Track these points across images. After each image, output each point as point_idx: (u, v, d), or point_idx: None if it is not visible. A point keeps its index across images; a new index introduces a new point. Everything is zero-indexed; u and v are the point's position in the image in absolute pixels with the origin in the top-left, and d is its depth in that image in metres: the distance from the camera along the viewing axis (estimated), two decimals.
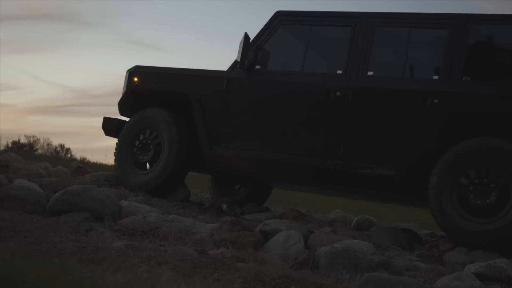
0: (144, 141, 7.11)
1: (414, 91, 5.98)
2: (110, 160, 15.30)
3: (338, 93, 6.26)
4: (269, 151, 6.52)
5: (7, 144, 26.39)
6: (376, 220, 7.96)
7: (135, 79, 7.32)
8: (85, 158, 18.16)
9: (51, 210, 5.19)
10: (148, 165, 7.11)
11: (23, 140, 29.65)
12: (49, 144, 31.03)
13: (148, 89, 7.26)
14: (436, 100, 5.84)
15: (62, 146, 31.41)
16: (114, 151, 7.26)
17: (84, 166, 9.14)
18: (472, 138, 5.67)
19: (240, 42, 6.63)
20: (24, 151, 21.50)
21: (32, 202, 5.25)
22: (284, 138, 6.48)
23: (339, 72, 6.38)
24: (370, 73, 6.26)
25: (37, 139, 30.44)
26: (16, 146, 26.44)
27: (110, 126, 7.46)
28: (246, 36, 6.61)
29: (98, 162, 15.02)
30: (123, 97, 7.38)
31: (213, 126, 6.81)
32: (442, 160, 5.71)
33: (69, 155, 26.58)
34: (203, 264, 3.85)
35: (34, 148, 29.18)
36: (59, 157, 21.03)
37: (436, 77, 5.99)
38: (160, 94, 7.20)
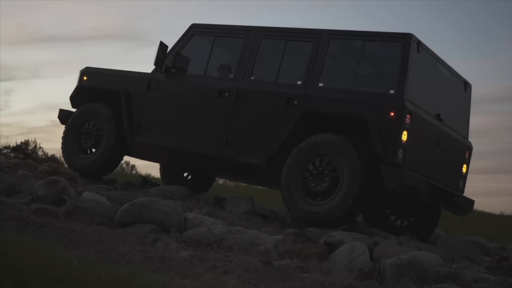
0: (88, 129, 8.37)
1: (281, 94, 7.02)
2: None
3: (226, 94, 7.35)
4: (174, 141, 7.66)
5: None
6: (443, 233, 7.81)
7: (85, 77, 8.65)
8: (150, 174, 18.42)
9: (119, 221, 5.30)
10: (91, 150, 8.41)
11: None
12: None
13: (92, 86, 8.57)
14: (296, 102, 6.86)
15: (127, 163, 31.92)
16: (62, 135, 8.56)
17: (150, 180, 9.27)
18: (318, 133, 6.66)
19: (157, 49, 7.70)
20: None
21: (100, 214, 5.36)
22: (185, 130, 7.61)
23: (231, 76, 7.50)
24: (252, 77, 7.33)
25: None
26: None
27: (64, 116, 8.73)
28: (161, 43, 7.70)
29: None
30: (73, 93, 8.66)
31: (135, 118, 8.02)
32: (292, 152, 6.69)
33: (134, 171, 27.04)
34: (268, 274, 3.86)
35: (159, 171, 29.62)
36: (125, 173, 21.40)
37: (300, 82, 6.99)
38: (101, 91, 8.49)
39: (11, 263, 1.85)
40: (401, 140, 6.28)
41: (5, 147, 27.63)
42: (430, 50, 6.93)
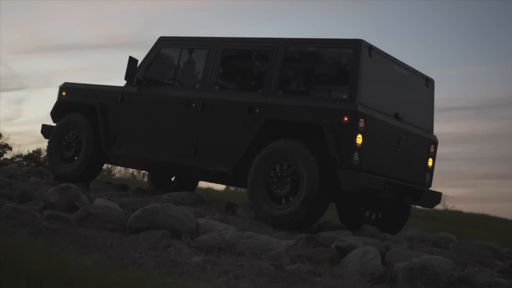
0: (68, 140, 8.59)
1: (243, 103, 7.20)
2: None
3: (193, 104, 7.55)
4: (148, 152, 7.89)
5: None
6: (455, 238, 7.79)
7: (63, 93, 8.90)
8: None
9: (131, 227, 5.31)
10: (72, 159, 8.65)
11: None
12: (126, 168, 31.67)
13: (70, 101, 8.82)
14: (257, 110, 7.05)
15: (138, 170, 31.95)
16: (46, 147, 8.84)
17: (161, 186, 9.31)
18: (279, 138, 6.83)
19: (127, 63, 8.01)
20: (102, 175, 22.03)
21: (112, 220, 5.38)
22: (157, 140, 7.82)
23: (197, 86, 7.67)
24: (217, 87, 7.51)
25: None
26: None
27: (46, 131, 8.96)
28: (130, 58, 7.99)
29: None
30: (53, 108, 8.91)
31: (111, 130, 8.26)
32: (256, 158, 6.88)
33: (145, 179, 27.07)
34: (280, 278, 3.87)
35: (112, 173, 29.86)
36: (136, 180, 21.45)
37: (261, 90, 7.15)
38: (79, 105, 8.71)
39: (25, 265, 1.88)
40: (356, 143, 6.47)
41: (18, 156, 27.76)
42: (383, 52, 7.08)
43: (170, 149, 7.68)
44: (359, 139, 6.49)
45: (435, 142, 7.88)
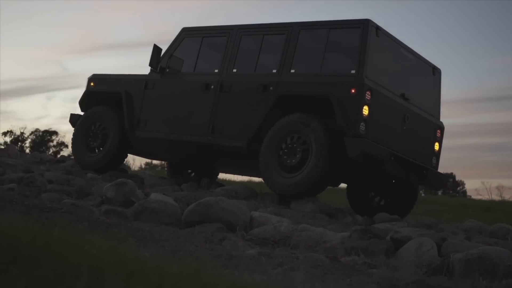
0: (95, 130, 9.16)
1: (258, 82, 7.70)
2: (237, 177, 15.60)
3: (212, 86, 8.09)
4: (169, 132, 8.41)
5: (141, 165, 27.46)
6: None
7: (92, 83, 9.48)
8: None
9: (186, 221, 5.38)
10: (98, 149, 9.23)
11: (155, 162, 30.79)
12: None
13: (97, 91, 9.39)
14: (271, 88, 7.53)
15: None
16: (72, 137, 9.40)
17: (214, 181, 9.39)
18: (292, 113, 7.29)
19: (151, 51, 8.56)
20: (156, 171, 22.32)
21: (167, 214, 5.46)
22: (177, 121, 8.36)
23: (216, 71, 8.21)
24: (234, 70, 8.05)
25: None
26: (149, 167, 27.46)
27: (74, 120, 9.50)
28: (155, 46, 8.56)
29: (227, 179, 15.35)
30: (82, 97, 9.53)
31: (135, 115, 8.81)
32: (269, 131, 7.37)
33: (193, 174, 27.25)
34: (335, 270, 3.87)
35: (166, 168, 30.12)
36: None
37: (275, 71, 7.66)
38: (106, 94, 9.32)
39: (86, 257, 1.93)
40: (362, 114, 6.85)
41: None
42: (391, 35, 7.45)
43: (189, 129, 8.21)
44: (365, 110, 6.86)
45: (441, 128, 8.13)
